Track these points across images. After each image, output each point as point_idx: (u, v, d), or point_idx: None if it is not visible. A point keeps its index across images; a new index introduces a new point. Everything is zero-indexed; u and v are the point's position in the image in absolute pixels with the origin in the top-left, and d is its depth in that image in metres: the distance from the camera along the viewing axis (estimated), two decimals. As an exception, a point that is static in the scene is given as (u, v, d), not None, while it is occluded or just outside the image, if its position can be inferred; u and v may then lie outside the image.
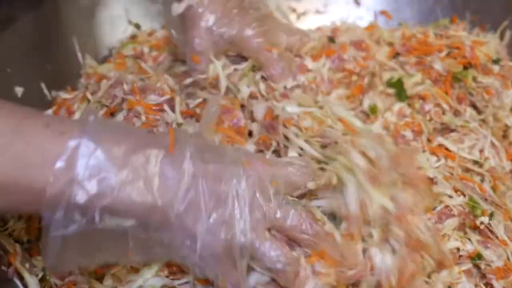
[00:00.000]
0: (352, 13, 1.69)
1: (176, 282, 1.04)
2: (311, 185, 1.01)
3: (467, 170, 1.27)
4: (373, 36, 1.46)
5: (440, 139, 1.29)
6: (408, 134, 1.28)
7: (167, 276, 1.04)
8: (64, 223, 0.85)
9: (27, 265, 1.14)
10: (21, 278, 1.13)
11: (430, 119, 1.34)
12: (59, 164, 0.83)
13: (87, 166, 0.84)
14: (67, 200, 0.84)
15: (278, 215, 0.94)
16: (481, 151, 1.31)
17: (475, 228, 1.16)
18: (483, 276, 1.14)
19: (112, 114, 1.26)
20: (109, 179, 0.85)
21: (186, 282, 1.04)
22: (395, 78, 1.37)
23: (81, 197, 0.84)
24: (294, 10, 1.68)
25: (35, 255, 1.17)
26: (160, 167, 0.89)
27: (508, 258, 1.14)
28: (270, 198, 0.94)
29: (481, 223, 1.16)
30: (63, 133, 0.85)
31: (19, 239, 1.18)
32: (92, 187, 0.84)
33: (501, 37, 1.54)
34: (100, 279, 1.07)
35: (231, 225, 0.91)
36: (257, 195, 0.93)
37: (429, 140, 1.29)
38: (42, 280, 1.13)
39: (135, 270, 1.05)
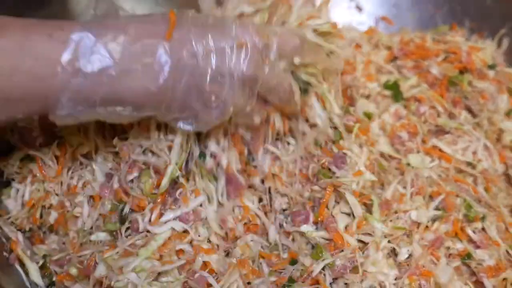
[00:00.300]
0: (354, 18, 1.70)
1: (166, 267, 1.07)
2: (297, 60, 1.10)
3: (460, 171, 1.29)
4: (372, 39, 1.48)
5: (434, 141, 1.31)
6: (404, 135, 1.30)
7: (158, 259, 1.07)
8: (69, 106, 0.93)
9: (28, 252, 1.17)
10: (22, 265, 1.16)
11: (425, 121, 1.35)
12: (65, 57, 0.90)
13: (88, 59, 0.91)
14: (71, 89, 0.92)
15: None
16: (474, 153, 1.32)
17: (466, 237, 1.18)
18: (473, 274, 1.16)
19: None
20: (108, 69, 0.93)
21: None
22: (391, 80, 1.39)
23: (83, 85, 0.92)
24: (296, 14, 1.70)
25: (36, 244, 1.20)
26: (158, 55, 0.95)
27: (500, 258, 1.16)
28: None
29: (475, 228, 1.18)
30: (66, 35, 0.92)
31: (21, 227, 1.21)
32: (93, 77, 0.92)
33: (499, 44, 1.55)
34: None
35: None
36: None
37: (423, 141, 1.31)
38: (42, 267, 1.16)
39: (128, 254, 1.08)
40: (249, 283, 1.09)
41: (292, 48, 1.09)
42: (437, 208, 1.18)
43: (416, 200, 1.17)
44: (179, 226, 1.10)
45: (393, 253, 1.13)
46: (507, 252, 1.17)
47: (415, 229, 1.15)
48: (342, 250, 1.08)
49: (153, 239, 1.07)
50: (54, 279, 1.15)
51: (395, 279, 1.09)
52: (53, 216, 1.20)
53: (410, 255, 1.12)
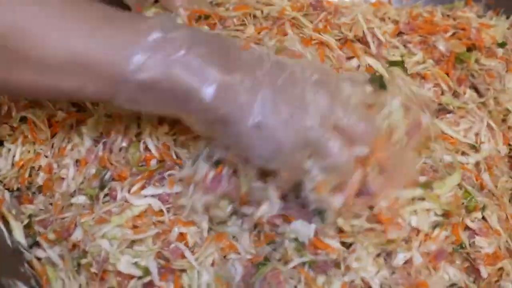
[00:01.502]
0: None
1: (139, 236, 1.02)
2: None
3: (462, 153, 1.21)
4: (379, 13, 1.39)
5: (436, 121, 1.22)
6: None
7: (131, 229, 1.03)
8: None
9: (14, 211, 1.13)
10: (6, 223, 1.12)
11: (429, 99, 1.27)
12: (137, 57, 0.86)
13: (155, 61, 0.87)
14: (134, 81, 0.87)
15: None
16: (477, 134, 1.24)
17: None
18: (465, 260, 1.10)
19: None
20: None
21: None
22: (396, 55, 1.31)
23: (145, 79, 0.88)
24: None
25: (24, 203, 1.16)
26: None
27: (500, 247, 1.09)
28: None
29: (475, 218, 1.11)
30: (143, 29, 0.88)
31: (9, 187, 1.17)
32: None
33: (513, 22, 1.46)
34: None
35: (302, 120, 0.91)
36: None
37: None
38: (27, 227, 1.12)
39: (103, 221, 1.04)
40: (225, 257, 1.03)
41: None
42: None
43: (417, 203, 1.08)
44: (156, 204, 1.05)
45: (389, 256, 1.06)
46: (507, 241, 1.11)
47: (415, 236, 1.06)
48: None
49: (129, 209, 1.03)
50: (37, 239, 1.11)
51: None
52: (41, 177, 1.16)
53: (406, 262, 1.05)
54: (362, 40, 1.28)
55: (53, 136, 1.19)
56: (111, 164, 1.10)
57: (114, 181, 1.09)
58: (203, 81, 0.88)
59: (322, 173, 0.95)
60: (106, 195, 1.08)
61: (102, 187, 1.08)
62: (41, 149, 1.19)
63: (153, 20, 0.90)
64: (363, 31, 1.27)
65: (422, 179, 1.09)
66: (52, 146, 1.19)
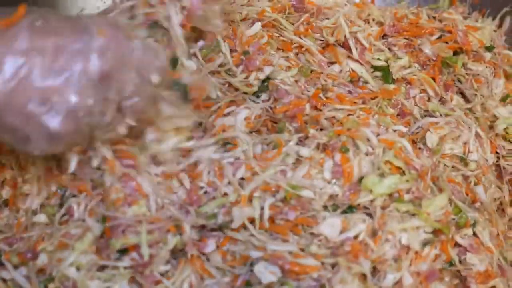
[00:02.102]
0: (350, -12, 1.53)
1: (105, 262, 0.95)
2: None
3: (452, 167, 1.14)
4: (363, 14, 1.31)
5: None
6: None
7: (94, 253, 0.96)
8: None
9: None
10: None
11: (415, 105, 1.20)
12: None
13: None
14: None
15: None
16: (465, 143, 1.16)
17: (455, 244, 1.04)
18: (454, 276, 1.04)
19: None
20: None
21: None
22: (381, 59, 1.23)
23: None
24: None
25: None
26: None
27: (492, 264, 1.03)
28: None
29: (465, 234, 1.04)
30: None
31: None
32: None
33: (500, 24, 1.38)
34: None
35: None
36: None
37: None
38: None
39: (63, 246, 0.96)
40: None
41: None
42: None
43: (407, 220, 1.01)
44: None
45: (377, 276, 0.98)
46: (499, 259, 1.05)
47: (405, 254, 0.99)
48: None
49: (89, 230, 0.94)
50: (1, 259, 1.02)
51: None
52: (6, 191, 1.08)
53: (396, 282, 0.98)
54: (345, 45, 1.20)
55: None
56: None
57: (74, 197, 1.01)
58: None
59: None
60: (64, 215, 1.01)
61: (61, 205, 1.01)
62: (7, 159, 1.10)
63: None
64: (345, 35, 1.18)
65: (407, 197, 1.01)
66: (18, 158, 1.09)
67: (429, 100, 1.22)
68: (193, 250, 0.97)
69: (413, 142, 1.13)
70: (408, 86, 1.22)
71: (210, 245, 0.98)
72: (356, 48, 1.20)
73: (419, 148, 1.14)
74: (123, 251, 0.94)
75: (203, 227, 1.00)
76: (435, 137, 1.14)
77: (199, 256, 0.97)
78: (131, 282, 0.95)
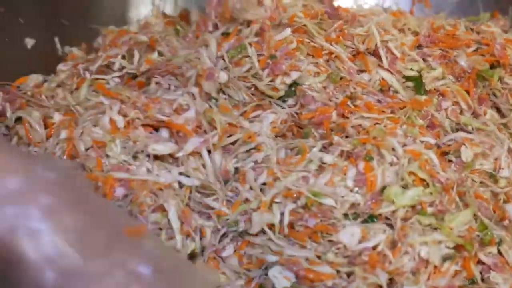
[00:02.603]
0: (388, -2, 1.52)
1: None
2: None
3: (480, 183, 1.09)
4: (398, 23, 1.29)
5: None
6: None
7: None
8: None
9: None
10: None
11: (447, 117, 1.18)
12: None
13: None
14: None
15: None
16: (496, 159, 1.13)
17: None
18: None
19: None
20: None
21: None
22: (414, 69, 1.21)
23: None
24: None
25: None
26: None
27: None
28: None
29: (489, 253, 1.01)
30: None
31: None
32: None
33: (543, 38, 1.35)
34: None
35: None
36: None
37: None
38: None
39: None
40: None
41: None
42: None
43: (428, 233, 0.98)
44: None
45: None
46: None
47: (423, 268, 0.97)
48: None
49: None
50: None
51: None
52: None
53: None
54: (375, 53, 1.18)
55: (48, 138, 1.12)
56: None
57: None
58: None
59: None
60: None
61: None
62: (35, 151, 1.11)
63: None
64: (376, 44, 1.17)
65: (431, 210, 0.99)
66: (46, 149, 1.11)
67: (461, 113, 1.19)
68: (211, 254, 0.97)
69: (442, 154, 1.10)
70: (441, 97, 1.19)
71: (228, 249, 0.99)
72: (387, 57, 1.18)
73: (449, 161, 1.11)
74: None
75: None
76: (470, 153, 1.10)
77: (215, 258, 0.97)
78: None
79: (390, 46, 1.19)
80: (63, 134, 1.07)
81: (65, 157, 1.06)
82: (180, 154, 1.00)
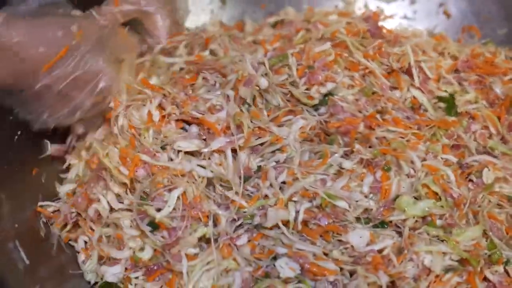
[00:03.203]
0: (440, 24, 1.56)
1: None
2: None
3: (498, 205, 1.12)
4: (439, 47, 1.34)
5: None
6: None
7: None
8: None
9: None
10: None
11: (474, 140, 1.21)
12: None
13: None
14: None
15: None
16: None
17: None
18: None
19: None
20: None
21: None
22: (448, 91, 1.25)
23: None
24: (381, 11, 1.58)
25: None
26: None
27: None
28: None
29: (496, 271, 1.05)
30: None
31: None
32: None
33: None
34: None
35: None
36: None
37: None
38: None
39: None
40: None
41: None
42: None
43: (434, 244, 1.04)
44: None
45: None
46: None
47: (425, 275, 1.02)
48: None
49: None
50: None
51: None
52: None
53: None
54: (409, 72, 1.23)
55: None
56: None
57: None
58: None
59: None
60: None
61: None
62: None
63: None
64: (410, 63, 1.21)
65: (440, 222, 1.04)
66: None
67: (490, 137, 1.22)
68: (226, 241, 1.04)
69: (464, 174, 1.14)
70: (471, 120, 1.23)
71: (243, 239, 1.05)
72: (419, 77, 1.22)
73: (469, 180, 1.14)
74: (155, 227, 1.03)
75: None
76: (491, 175, 1.14)
77: (230, 245, 1.04)
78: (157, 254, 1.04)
79: (423, 66, 1.23)
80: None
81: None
82: (205, 150, 1.07)
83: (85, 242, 1.11)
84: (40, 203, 1.12)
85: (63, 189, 1.16)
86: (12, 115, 1.13)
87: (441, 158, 1.13)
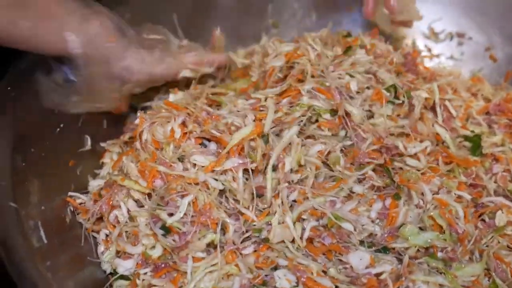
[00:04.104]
0: (486, 67, 1.58)
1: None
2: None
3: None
4: (473, 88, 1.36)
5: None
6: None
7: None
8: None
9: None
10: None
11: (495, 182, 1.23)
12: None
13: None
14: None
15: None
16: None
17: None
18: None
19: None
20: None
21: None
22: (476, 131, 1.28)
23: None
24: (429, 50, 1.62)
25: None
26: None
27: None
28: None
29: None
30: None
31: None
32: None
33: None
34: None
35: None
36: None
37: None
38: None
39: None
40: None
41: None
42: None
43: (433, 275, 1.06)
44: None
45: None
46: None
47: None
48: None
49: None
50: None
51: None
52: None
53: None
54: (435, 109, 1.26)
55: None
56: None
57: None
58: None
59: None
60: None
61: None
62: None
63: None
64: (434, 101, 1.24)
65: (441, 255, 1.07)
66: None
67: (511, 181, 1.23)
68: (232, 249, 1.09)
69: (476, 212, 1.16)
70: (494, 162, 1.24)
71: (249, 248, 1.10)
72: (443, 115, 1.25)
73: (482, 220, 1.16)
74: (167, 230, 1.09)
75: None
76: (504, 218, 1.15)
77: (235, 252, 1.09)
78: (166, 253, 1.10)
79: (447, 104, 1.26)
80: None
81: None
82: (217, 169, 1.12)
83: (106, 235, 1.18)
84: (70, 193, 1.20)
85: (93, 184, 1.24)
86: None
87: (455, 194, 1.15)
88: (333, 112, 1.17)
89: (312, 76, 1.21)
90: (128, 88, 1.25)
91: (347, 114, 1.16)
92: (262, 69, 1.33)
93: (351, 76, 1.21)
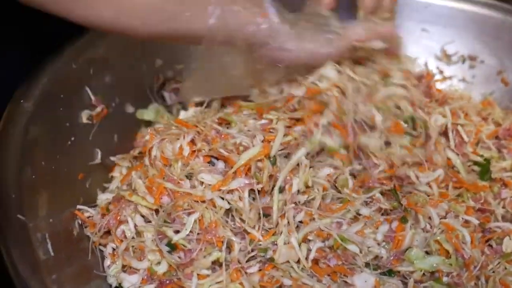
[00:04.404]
0: (497, 90, 1.57)
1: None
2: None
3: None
4: (483, 112, 1.36)
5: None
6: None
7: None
8: None
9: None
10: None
11: (503, 207, 1.22)
12: None
13: None
14: None
15: None
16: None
17: None
18: None
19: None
20: None
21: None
22: (485, 156, 1.28)
23: None
24: (441, 72, 1.61)
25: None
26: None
27: None
28: None
29: None
30: None
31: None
32: None
33: None
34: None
35: None
36: None
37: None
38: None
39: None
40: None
41: None
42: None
43: None
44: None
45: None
46: None
47: None
48: None
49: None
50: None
51: None
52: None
53: None
54: (446, 134, 1.26)
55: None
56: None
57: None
58: None
59: None
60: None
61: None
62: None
63: None
64: (446, 125, 1.24)
65: (446, 279, 1.07)
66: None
67: (519, 207, 1.23)
68: (237, 267, 1.09)
69: (483, 237, 1.15)
70: (502, 187, 1.24)
71: (254, 267, 1.10)
72: (455, 140, 1.25)
73: (489, 245, 1.16)
74: (173, 247, 1.10)
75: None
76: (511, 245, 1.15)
77: (240, 270, 1.09)
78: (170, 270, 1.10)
79: (459, 129, 1.26)
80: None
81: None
82: (223, 188, 1.12)
83: (113, 249, 1.18)
84: (78, 206, 1.21)
85: (102, 197, 1.24)
86: (69, 121, 1.23)
87: (462, 218, 1.15)
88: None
89: None
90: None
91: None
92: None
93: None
